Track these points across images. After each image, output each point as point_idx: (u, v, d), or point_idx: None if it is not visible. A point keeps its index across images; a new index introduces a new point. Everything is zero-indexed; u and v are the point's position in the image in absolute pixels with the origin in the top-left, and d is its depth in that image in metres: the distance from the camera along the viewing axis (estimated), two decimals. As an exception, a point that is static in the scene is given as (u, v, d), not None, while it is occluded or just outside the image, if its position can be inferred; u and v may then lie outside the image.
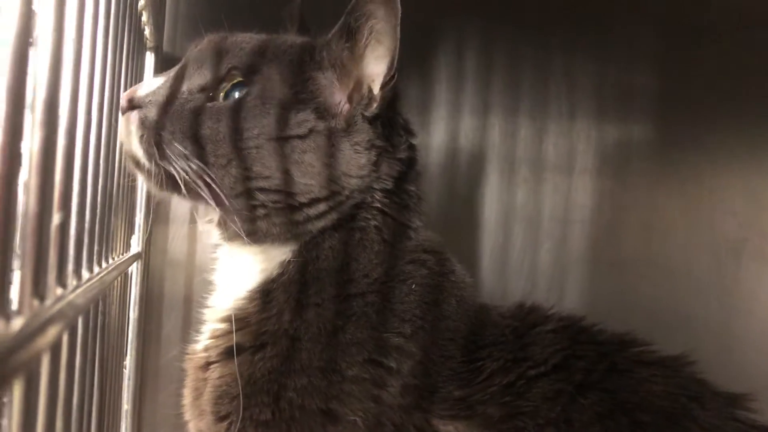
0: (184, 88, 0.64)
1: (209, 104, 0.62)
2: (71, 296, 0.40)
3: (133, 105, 0.63)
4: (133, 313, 0.88)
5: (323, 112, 0.63)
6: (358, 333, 0.60)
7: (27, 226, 0.34)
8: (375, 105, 0.64)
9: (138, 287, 0.88)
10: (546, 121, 0.99)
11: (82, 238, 0.47)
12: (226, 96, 0.63)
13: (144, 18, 0.79)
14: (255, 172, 0.60)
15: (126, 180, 0.69)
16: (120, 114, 0.62)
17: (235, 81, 0.63)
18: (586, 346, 0.63)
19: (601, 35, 0.99)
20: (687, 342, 0.96)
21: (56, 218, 0.39)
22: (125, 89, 0.65)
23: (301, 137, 0.61)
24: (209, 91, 0.63)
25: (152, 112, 0.62)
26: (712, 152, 0.98)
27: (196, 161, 0.59)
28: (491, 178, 0.99)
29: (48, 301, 0.35)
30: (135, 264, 0.84)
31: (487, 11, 0.99)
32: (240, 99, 0.62)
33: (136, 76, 0.78)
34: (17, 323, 0.29)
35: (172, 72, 0.66)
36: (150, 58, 0.88)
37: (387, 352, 0.60)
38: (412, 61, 0.99)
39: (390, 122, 0.66)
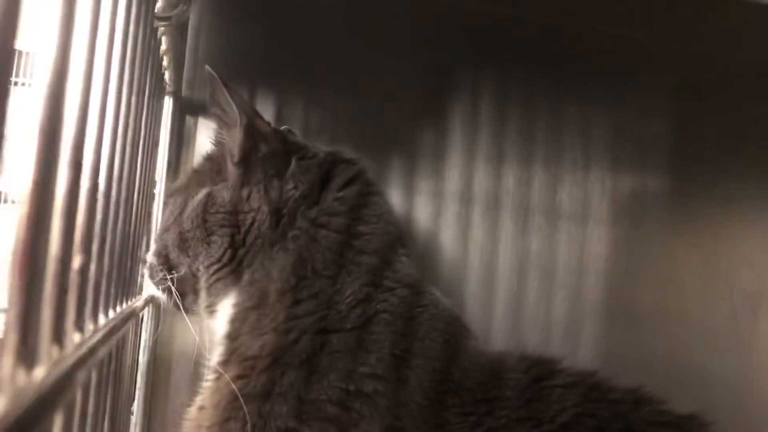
0: None
1: None
2: (90, 342, 0.39)
3: None
4: (143, 358, 0.86)
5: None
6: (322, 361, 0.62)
7: (49, 270, 0.33)
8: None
9: (149, 331, 0.87)
10: (560, 170, 0.99)
11: (101, 281, 0.46)
12: None
13: (165, 63, 0.80)
14: None
15: (140, 223, 0.70)
16: None
17: None
18: (598, 404, 0.60)
19: (615, 87, 1.00)
20: (703, 396, 0.95)
21: (77, 262, 0.39)
22: (144, 133, 0.66)
23: None
24: None
25: None
26: (727, 202, 0.98)
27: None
28: (506, 226, 0.99)
29: (68, 348, 0.35)
30: (146, 308, 0.83)
31: (502, 61, 1.00)
32: None
33: (155, 120, 0.78)
34: (39, 372, 0.29)
35: None
36: (168, 103, 0.89)
37: (359, 381, 0.60)
38: (428, 109, 0.99)
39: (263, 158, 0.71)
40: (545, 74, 1.00)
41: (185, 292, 0.72)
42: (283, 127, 0.86)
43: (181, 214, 0.72)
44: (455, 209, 0.98)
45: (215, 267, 0.69)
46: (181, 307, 0.72)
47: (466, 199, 0.99)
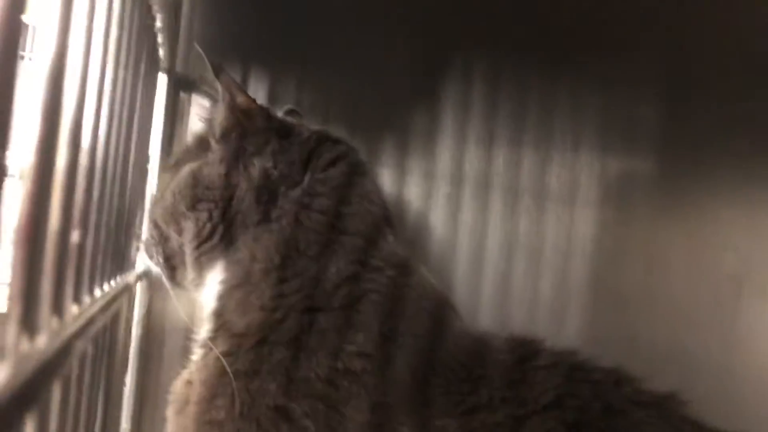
0: None
1: None
2: (87, 314, 0.40)
3: None
4: (136, 331, 0.87)
5: None
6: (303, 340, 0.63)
7: (48, 244, 0.35)
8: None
9: (142, 305, 0.88)
10: (550, 153, 1.00)
11: (97, 256, 0.47)
12: None
13: (159, 39, 0.80)
14: None
15: (134, 199, 0.71)
16: None
17: None
18: (581, 385, 0.62)
19: (606, 70, 1.01)
20: (685, 376, 0.97)
21: (75, 236, 0.40)
22: (139, 109, 0.66)
23: None
24: None
25: None
26: (714, 186, 0.99)
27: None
28: (495, 207, 1.00)
29: (67, 319, 0.36)
30: (140, 282, 0.84)
31: (495, 44, 1.01)
32: None
33: (149, 97, 0.79)
34: (41, 341, 0.30)
35: None
36: (162, 79, 0.89)
37: (347, 360, 0.62)
38: (420, 90, 1.00)
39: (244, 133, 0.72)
40: (537, 57, 1.01)
41: (176, 266, 0.74)
42: (286, 107, 0.87)
43: (167, 188, 0.73)
44: (446, 190, 0.99)
45: (197, 241, 0.70)
46: (173, 281, 0.74)
47: (456, 180, 1.00)
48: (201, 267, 0.71)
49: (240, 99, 0.72)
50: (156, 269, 0.75)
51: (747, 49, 0.99)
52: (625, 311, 1.00)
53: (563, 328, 0.99)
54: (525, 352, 0.65)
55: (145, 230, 0.76)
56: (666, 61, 1.00)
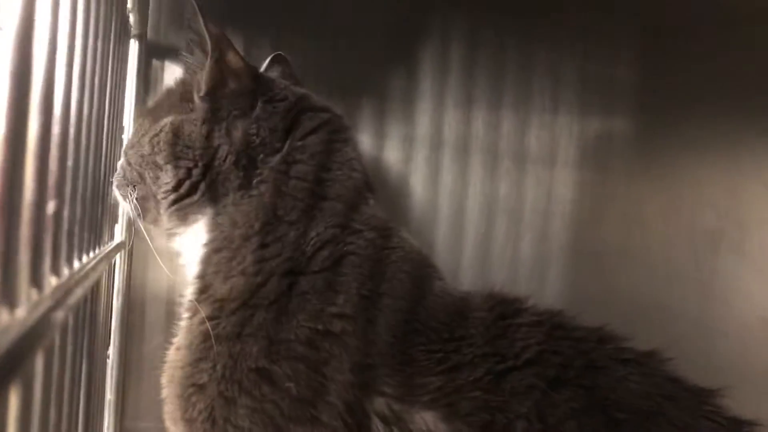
0: None
1: None
2: (66, 285, 0.40)
3: None
4: (116, 303, 0.87)
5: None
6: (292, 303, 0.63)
7: (24, 215, 0.34)
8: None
9: (122, 277, 0.87)
10: (529, 115, 1.00)
11: (74, 227, 0.47)
12: None
13: (129, 5, 0.78)
14: None
15: (109, 168, 0.70)
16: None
17: None
18: (562, 342, 0.63)
19: (583, 30, 1.00)
20: (664, 332, 0.99)
21: (51, 207, 0.39)
22: (110, 77, 0.65)
23: None
24: None
25: None
26: (691, 145, 1.00)
27: None
28: (475, 170, 1.00)
29: (46, 291, 0.35)
30: (119, 253, 0.83)
31: (472, 4, 1.00)
32: None
33: (121, 65, 0.77)
34: (20, 312, 0.29)
35: None
36: (134, 46, 0.87)
37: (327, 321, 0.62)
38: (397, 53, 0.99)
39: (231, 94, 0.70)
40: (515, 19, 1.00)
41: (147, 209, 0.72)
42: (274, 54, 0.85)
43: (144, 135, 0.72)
44: (425, 153, 0.99)
45: (173, 196, 0.69)
46: (145, 220, 0.73)
47: (435, 144, 0.99)
48: (178, 220, 0.70)
49: (230, 56, 0.70)
50: (128, 207, 0.73)
51: (720, 3, 0.99)
52: (604, 269, 1.01)
53: (544, 287, 1.00)
54: (506, 309, 0.66)
55: (119, 168, 0.74)
56: (641, 17, 1.00)
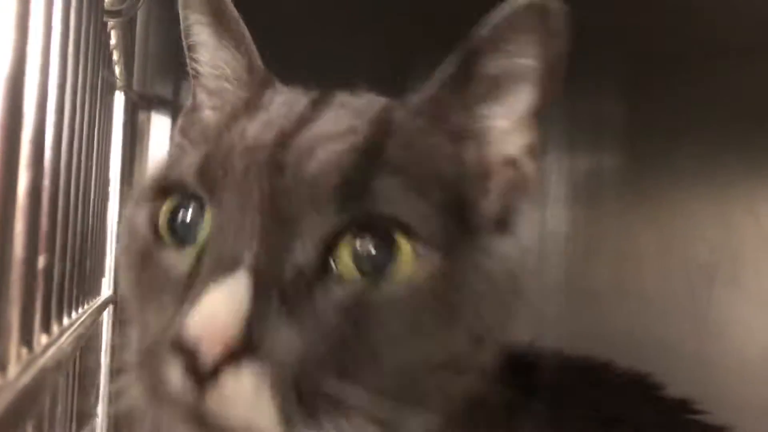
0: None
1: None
2: (58, 343, 0.38)
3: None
4: (104, 359, 0.85)
5: None
6: None
7: (14, 271, 0.33)
8: None
9: (109, 332, 0.85)
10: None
11: (63, 282, 0.45)
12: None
13: (115, 57, 0.78)
14: None
15: (96, 222, 0.68)
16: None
17: None
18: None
19: (571, 65, 1.01)
20: (661, 367, 0.97)
21: (41, 262, 0.38)
22: (97, 130, 0.64)
23: None
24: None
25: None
26: (683, 178, 1.00)
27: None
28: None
29: (36, 349, 0.34)
30: (107, 309, 0.81)
31: (457, 44, 1.00)
32: None
33: (107, 117, 0.77)
34: (12, 372, 0.28)
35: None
36: (120, 98, 0.87)
37: None
38: (383, 94, 0.99)
39: None
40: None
41: None
42: None
43: None
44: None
45: None
46: None
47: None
48: None
49: None
50: None
51: (708, 34, 1.00)
52: (599, 306, 1.00)
53: (539, 325, 0.99)
54: None
55: None
56: (627, 51, 1.01)
